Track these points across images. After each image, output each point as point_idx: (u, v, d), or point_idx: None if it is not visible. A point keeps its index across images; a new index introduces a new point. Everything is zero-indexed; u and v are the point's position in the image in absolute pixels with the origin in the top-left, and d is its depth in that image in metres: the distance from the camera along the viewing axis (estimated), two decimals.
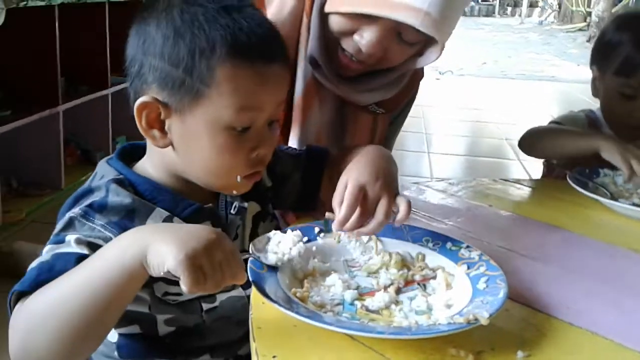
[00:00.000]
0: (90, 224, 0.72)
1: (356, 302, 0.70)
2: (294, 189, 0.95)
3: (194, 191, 0.80)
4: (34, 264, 0.68)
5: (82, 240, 0.69)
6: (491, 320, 0.63)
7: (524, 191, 1.22)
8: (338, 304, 0.70)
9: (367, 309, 0.69)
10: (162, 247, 0.60)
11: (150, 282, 0.76)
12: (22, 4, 2.28)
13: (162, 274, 0.61)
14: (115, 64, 2.99)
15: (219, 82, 0.71)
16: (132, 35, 0.76)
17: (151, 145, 0.79)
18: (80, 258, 0.66)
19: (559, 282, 0.80)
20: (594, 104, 1.37)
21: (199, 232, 0.62)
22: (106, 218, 0.72)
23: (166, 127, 0.75)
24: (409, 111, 1.28)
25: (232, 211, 0.83)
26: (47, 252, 0.69)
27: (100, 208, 0.73)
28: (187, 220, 0.76)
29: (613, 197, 1.11)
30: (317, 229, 0.84)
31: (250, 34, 0.72)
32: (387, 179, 0.83)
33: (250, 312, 0.69)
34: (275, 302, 0.64)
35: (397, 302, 0.70)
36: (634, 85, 1.22)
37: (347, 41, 1.00)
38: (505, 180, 1.26)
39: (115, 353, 0.82)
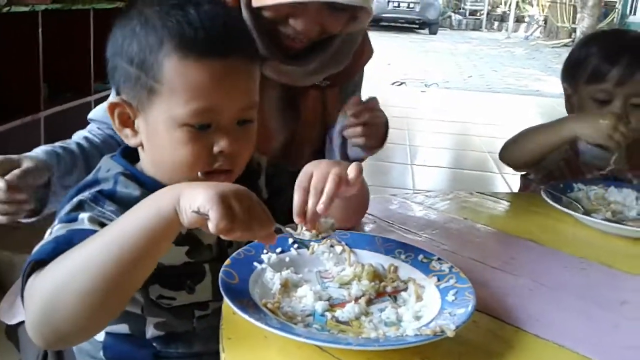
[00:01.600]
0: (100, 209, 0.73)
1: (327, 313, 0.70)
2: (287, 203, 0.94)
3: None
4: (48, 239, 0.68)
5: (95, 220, 0.71)
6: (459, 332, 0.64)
7: (500, 204, 1.23)
8: (309, 315, 0.70)
9: (337, 320, 0.69)
10: (193, 190, 0.63)
11: (146, 284, 0.76)
12: (5, 9, 2.27)
13: (192, 216, 0.62)
14: (99, 71, 2.98)
15: (168, 77, 0.73)
16: (109, 41, 0.80)
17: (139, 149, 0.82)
18: None
19: (528, 295, 0.81)
20: None
21: (229, 184, 0.66)
22: (115, 206, 0.73)
23: (135, 127, 0.78)
24: (360, 86, 1.34)
25: None
26: (60, 228, 0.70)
27: (110, 196, 0.75)
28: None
29: (586, 212, 1.12)
30: (290, 240, 0.84)
31: (199, 28, 0.73)
32: (334, 163, 0.81)
33: (220, 323, 0.69)
34: (245, 313, 0.64)
35: (367, 313, 0.71)
36: (606, 89, 1.25)
37: (283, 26, 1.05)
38: (482, 193, 1.27)
39: (101, 353, 0.82)
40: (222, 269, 0.73)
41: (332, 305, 0.72)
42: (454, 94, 6.58)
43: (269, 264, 0.78)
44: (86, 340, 0.78)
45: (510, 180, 3.38)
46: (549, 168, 1.33)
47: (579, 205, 1.15)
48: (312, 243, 0.84)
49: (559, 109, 1.44)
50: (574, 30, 12.68)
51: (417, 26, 16.91)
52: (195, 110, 0.73)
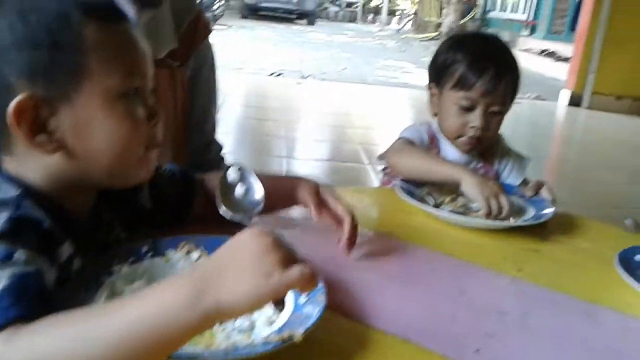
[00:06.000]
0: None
1: None
2: (170, 204, 0.93)
3: (73, 201, 0.73)
4: None
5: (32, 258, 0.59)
6: (311, 334, 0.65)
7: (361, 199, 1.27)
8: None
9: None
10: (236, 297, 0.55)
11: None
12: None
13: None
14: None
15: (93, 46, 0.67)
16: None
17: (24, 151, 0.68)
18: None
19: (379, 290, 0.85)
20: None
21: (258, 253, 0.58)
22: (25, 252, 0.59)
23: (50, 128, 0.67)
24: (211, 61, 1.40)
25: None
26: None
27: (18, 225, 0.61)
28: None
29: (437, 204, 1.20)
30: (145, 248, 0.82)
31: None
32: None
33: None
34: None
35: (220, 322, 0.70)
36: (471, 97, 1.33)
37: None
38: (348, 187, 1.32)
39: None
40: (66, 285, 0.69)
41: None
42: (329, 85, 6.73)
43: (120, 275, 0.75)
44: None
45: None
46: None
47: (430, 198, 1.23)
48: (168, 249, 0.83)
49: (426, 101, 1.49)
50: (440, 24, 13.46)
51: (295, 17, 17.08)
52: (131, 72, 0.70)
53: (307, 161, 3.72)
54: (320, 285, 0.75)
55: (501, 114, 1.36)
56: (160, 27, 1.17)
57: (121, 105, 0.70)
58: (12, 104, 0.64)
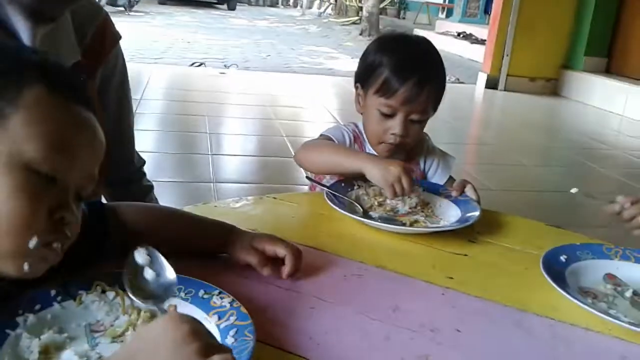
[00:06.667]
0: None
1: None
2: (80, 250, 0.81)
3: None
4: None
5: None
6: None
7: (288, 208, 1.24)
8: None
9: None
10: None
11: None
12: None
13: None
14: None
15: (26, 106, 0.63)
16: None
17: None
18: None
19: (310, 315, 0.82)
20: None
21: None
22: None
23: None
24: (122, 69, 1.33)
25: None
26: None
27: None
28: None
29: (365, 210, 1.19)
30: (53, 292, 0.75)
31: (61, 67, 0.70)
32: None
33: None
34: None
35: None
36: (392, 105, 1.32)
37: None
38: (274, 197, 1.28)
39: None
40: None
41: None
42: (253, 75, 6.61)
43: (25, 327, 0.68)
44: None
45: None
46: None
47: (357, 205, 1.21)
48: (80, 292, 0.76)
49: (351, 89, 1.47)
50: (361, 8, 13.53)
51: (215, 1, 16.74)
52: (51, 154, 0.63)
53: (233, 157, 3.64)
54: (249, 321, 0.72)
55: (421, 122, 1.36)
56: (60, 40, 1.07)
57: (23, 177, 0.62)
58: None
